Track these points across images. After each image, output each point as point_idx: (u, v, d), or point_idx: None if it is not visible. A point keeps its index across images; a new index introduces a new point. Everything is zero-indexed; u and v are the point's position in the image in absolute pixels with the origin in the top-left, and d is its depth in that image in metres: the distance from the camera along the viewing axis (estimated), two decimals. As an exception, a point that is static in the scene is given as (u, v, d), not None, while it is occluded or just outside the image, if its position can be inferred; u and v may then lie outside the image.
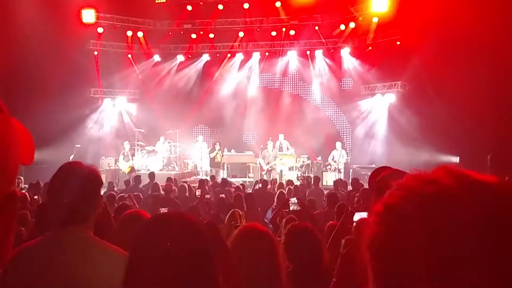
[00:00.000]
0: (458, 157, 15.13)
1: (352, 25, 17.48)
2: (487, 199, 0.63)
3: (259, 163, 15.64)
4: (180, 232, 1.37)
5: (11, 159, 0.64)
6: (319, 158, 16.95)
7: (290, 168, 16.11)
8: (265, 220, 7.27)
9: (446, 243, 0.62)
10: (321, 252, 2.97)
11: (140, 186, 10.99)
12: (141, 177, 11.57)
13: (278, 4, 17.81)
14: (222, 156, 16.23)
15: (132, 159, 15.60)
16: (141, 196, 8.97)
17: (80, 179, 1.94)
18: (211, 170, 15.99)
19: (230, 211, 5.47)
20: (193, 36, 19.00)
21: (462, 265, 0.61)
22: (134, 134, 17.27)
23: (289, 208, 6.18)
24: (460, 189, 0.65)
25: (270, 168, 15.25)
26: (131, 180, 11.52)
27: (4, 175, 0.62)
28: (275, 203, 7.91)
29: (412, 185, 0.68)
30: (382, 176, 2.09)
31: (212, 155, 16.06)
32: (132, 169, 15.13)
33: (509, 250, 0.60)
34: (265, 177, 13.71)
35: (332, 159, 15.98)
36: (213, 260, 1.37)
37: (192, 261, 1.33)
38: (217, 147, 16.12)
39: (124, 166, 15.46)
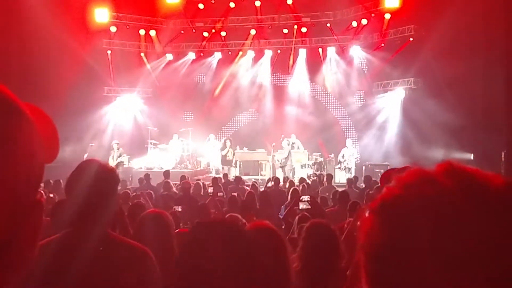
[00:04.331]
0: (472, 154, 14.94)
1: (364, 21, 17.38)
2: (485, 203, 0.60)
3: (275, 159, 15.61)
4: (227, 241, 1.33)
5: (36, 167, 0.64)
6: (332, 155, 16.89)
7: (303, 166, 16.07)
8: (280, 216, 7.27)
9: (443, 247, 0.59)
10: (339, 252, 2.92)
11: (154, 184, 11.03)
12: (150, 176, 11.56)
13: (289, 1, 17.78)
14: (234, 154, 16.11)
15: (117, 159, 14.85)
16: (153, 195, 8.92)
17: (98, 176, 1.97)
18: (222, 168, 15.89)
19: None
20: (205, 34, 19.04)
21: (455, 270, 0.58)
22: (148, 132, 17.37)
23: (299, 207, 6.18)
24: (459, 192, 0.61)
25: (283, 165, 15.19)
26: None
27: (29, 185, 0.62)
28: (288, 200, 7.90)
29: (410, 183, 0.65)
30: (390, 172, 2.05)
31: (223, 152, 15.90)
32: None
33: (505, 258, 0.58)
34: (277, 175, 13.68)
35: (342, 157, 15.89)
36: (259, 266, 1.33)
37: (241, 269, 1.29)
38: (228, 144, 15.91)
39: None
